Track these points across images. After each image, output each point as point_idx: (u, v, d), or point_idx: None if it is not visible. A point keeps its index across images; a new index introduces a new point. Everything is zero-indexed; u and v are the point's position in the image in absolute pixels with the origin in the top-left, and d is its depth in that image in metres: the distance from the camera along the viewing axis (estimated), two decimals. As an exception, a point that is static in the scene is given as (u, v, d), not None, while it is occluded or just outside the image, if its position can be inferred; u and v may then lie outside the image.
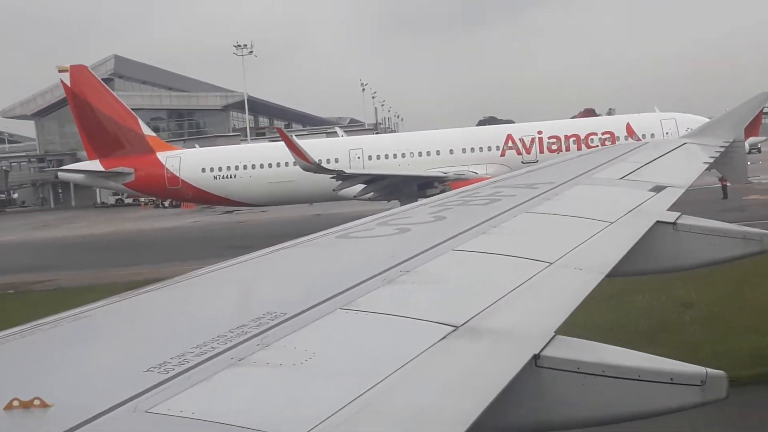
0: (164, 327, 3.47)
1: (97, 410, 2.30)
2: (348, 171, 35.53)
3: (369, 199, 36.03)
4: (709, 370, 2.97)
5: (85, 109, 43.40)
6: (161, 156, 42.67)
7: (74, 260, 36.62)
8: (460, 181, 32.03)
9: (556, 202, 6.80)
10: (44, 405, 2.33)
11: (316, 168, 34.19)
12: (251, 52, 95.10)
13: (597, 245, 5.05)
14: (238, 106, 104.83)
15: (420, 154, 38.97)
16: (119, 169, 42.65)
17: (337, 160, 37.32)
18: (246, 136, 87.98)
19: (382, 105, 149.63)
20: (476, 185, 8.74)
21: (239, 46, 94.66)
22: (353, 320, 3.31)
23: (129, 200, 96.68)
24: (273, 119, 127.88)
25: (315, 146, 37.95)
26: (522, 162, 34.87)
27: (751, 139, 34.56)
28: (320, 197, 38.97)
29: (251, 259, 4.99)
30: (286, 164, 39.02)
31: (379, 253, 4.97)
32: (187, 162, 42.32)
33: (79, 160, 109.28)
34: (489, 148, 38.11)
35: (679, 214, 5.93)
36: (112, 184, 45.82)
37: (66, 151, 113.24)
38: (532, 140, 37.64)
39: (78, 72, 44.04)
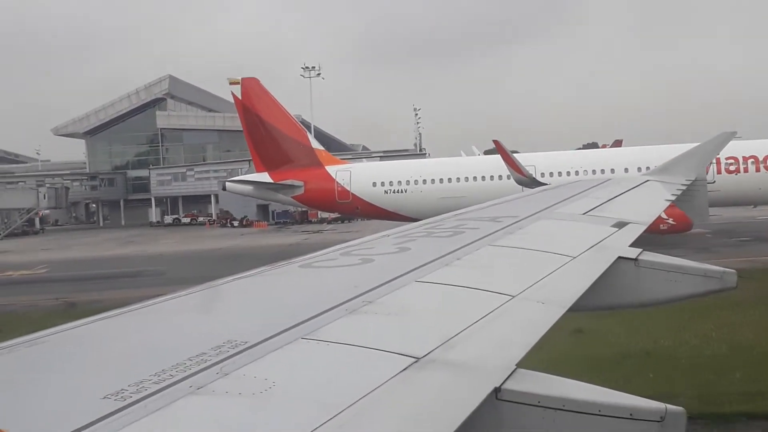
0: (122, 354, 3.41)
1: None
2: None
3: None
4: (669, 406, 2.99)
5: (255, 121, 43.13)
6: (331, 170, 42.49)
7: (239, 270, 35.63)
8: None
9: (519, 236, 6.85)
10: None
11: (531, 181, 34.14)
12: (319, 74, 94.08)
13: (559, 280, 5.09)
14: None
15: (594, 172, 38.73)
16: (289, 181, 42.51)
17: (509, 177, 36.68)
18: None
19: (419, 130, 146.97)
20: (440, 217, 8.77)
21: (306, 68, 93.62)
22: (314, 350, 3.29)
23: (186, 220, 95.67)
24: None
25: (486, 162, 37.04)
26: None
27: None
28: None
29: (213, 286, 4.95)
30: (458, 179, 39.46)
31: (342, 283, 4.96)
32: (357, 176, 42.26)
33: (129, 179, 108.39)
34: None
35: (641, 250, 5.99)
36: (281, 197, 45.27)
37: (113, 170, 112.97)
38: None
39: (249, 84, 43.69)
